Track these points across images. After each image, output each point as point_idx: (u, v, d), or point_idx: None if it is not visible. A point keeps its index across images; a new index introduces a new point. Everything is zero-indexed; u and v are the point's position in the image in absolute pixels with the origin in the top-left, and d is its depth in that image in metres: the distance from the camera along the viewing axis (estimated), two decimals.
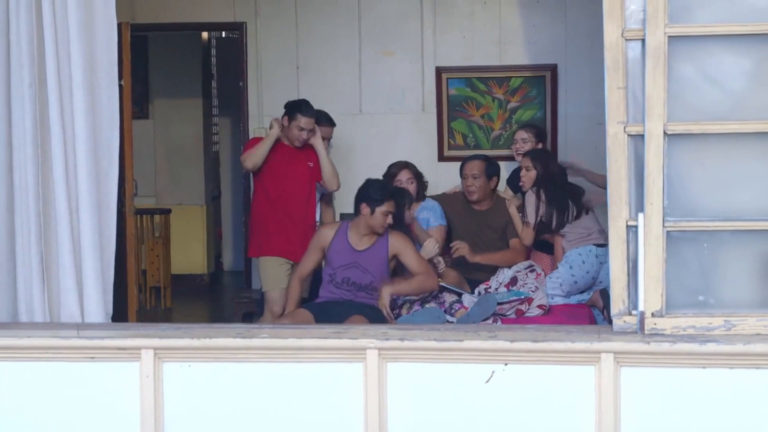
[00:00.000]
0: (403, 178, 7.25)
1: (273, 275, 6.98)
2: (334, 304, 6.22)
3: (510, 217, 7.23)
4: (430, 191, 7.53)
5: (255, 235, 7.28)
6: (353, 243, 6.37)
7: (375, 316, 6.00)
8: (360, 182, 7.71)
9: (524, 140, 7.44)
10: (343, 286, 6.32)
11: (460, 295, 6.43)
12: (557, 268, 6.76)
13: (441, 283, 6.46)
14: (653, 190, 3.93)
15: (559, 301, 6.64)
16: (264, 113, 8.68)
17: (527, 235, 7.09)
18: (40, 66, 4.44)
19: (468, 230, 7.21)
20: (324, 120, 7.33)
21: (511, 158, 7.89)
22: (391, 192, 6.48)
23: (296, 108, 7.07)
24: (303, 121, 7.00)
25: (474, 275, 6.97)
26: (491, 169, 7.27)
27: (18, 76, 4.41)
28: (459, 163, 7.60)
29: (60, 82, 4.45)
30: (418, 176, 7.34)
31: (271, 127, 7.15)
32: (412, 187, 7.21)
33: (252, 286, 8.72)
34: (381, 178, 7.26)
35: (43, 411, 4.20)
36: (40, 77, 4.44)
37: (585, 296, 6.68)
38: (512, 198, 7.35)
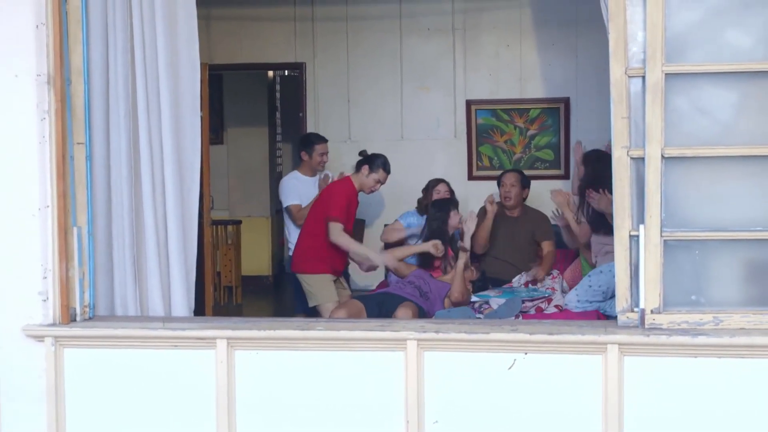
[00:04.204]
0: (442, 190, 7.42)
1: (327, 290, 6.73)
2: (388, 295, 6.21)
3: (538, 223, 7.26)
4: (460, 204, 7.60)
5: (307, 255, 6.80)
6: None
7: (421, 311, 6.04)
8: (402, 197, 7.77)
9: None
10: (408, 285, 6.35)
11: (487, 300, 6.42)
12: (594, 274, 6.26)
13: (472, 298, 6.44)
14: (652, 205, 3.90)
15: (590, 308, 6.13)
16: None
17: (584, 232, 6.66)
18: (133, 100, 4.47)
19: (503, 233, 7.27)
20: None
21: (530, 177, 7.90)
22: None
23: (381, 163, 6.84)
24: (383, 176, 6.90)
25: (498, 275, 6.98)
26: (525, 180, 7.46)
27: (115, 108, 4.45)
28: (486, 182, 7.65)
29: (149, 113, 4.48)
30: (452, 192, 7.50)
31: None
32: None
33: None
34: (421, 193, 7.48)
35: (133, 390, 4.23)
36: (133, 109, 4.48)
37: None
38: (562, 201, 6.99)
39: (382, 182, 6.89)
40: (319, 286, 6.73)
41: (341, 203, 6.63)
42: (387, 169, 6.85)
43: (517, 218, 7.32)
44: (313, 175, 7.59)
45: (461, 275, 6.31)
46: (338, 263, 6.82)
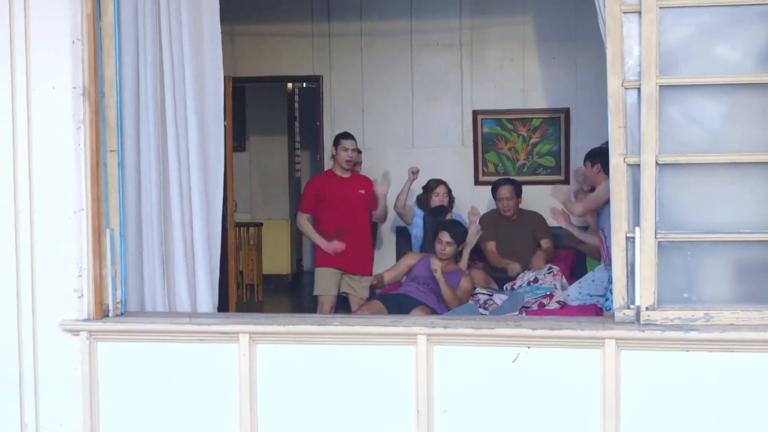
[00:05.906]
0: (441, 192, 7.52)
1: (327, 283, 6.83)
2: (406, 297, 6.25)
3: (536, 224, 7.28)
4: (467, 207, 7.64)
5: (317, 250, 6.99)
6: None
7: (434, 311, 6.09)
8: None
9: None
10: (423, 286, 6.39)
11: (491, 294, 6.42)
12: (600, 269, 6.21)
13: (477, 291, 6.44)
14: (647, 209, 3.90)
15: (590, 301, 6.11)
16: None
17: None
18: (162, 110, 4.49)
19: (505, 236, 7.33)
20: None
21: (532, 182, 7.93)
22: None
23: (338, 137, 7.08)
24: (346, 143, 6.96)
25: (502, 275, 6.99)
26: (518, 189, 7.48)
27: (145, 118, 4.46)
28: (491, 187, 7.65)
29: (176, 122, 4.50)
30: (449, 191, 7.63)
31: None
32: (446, 200, 7.51)
33: None
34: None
35: (161, 381, 4.25)
36: (162, 119, 4.49)
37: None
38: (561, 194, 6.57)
39: (349, 150, 6.97)
40: (320, 277, 6.81)
41: (306, 196, 6.99)
42: (344, 135, 7.03)
43: (515, 221, 7.37)
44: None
45: (444, 285, 6.33)
46: (344, 256, 6.81)
